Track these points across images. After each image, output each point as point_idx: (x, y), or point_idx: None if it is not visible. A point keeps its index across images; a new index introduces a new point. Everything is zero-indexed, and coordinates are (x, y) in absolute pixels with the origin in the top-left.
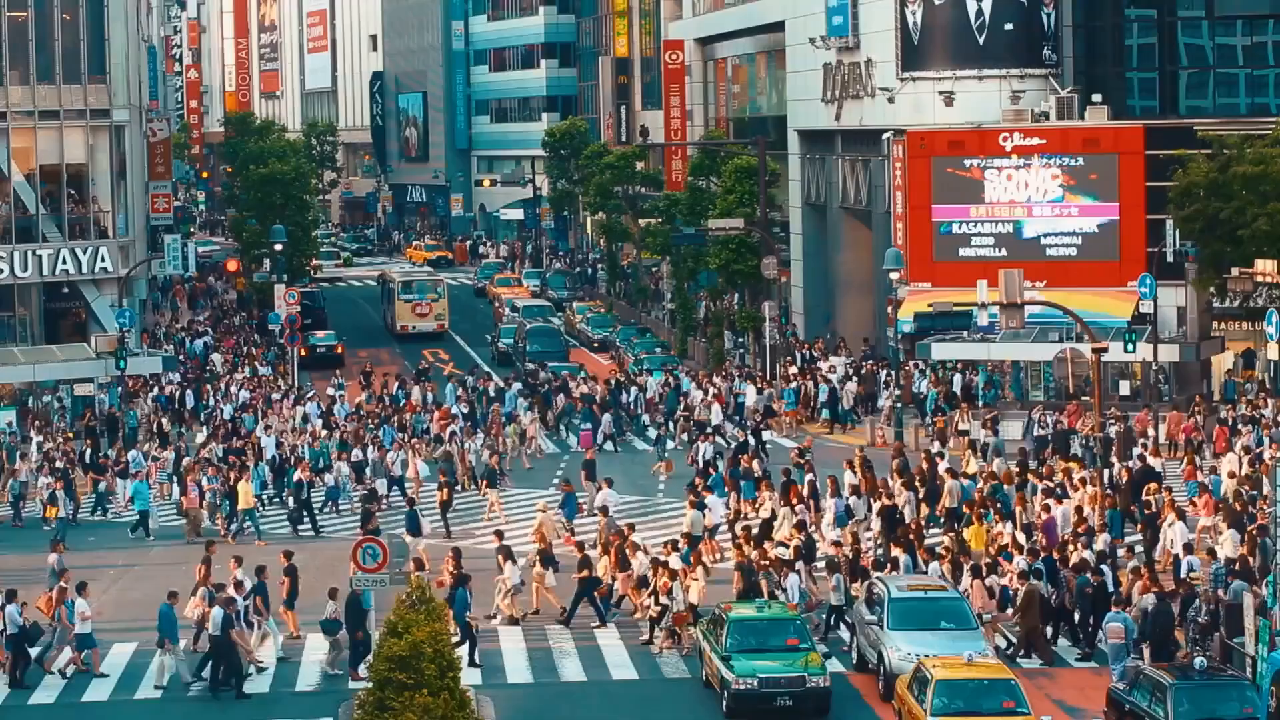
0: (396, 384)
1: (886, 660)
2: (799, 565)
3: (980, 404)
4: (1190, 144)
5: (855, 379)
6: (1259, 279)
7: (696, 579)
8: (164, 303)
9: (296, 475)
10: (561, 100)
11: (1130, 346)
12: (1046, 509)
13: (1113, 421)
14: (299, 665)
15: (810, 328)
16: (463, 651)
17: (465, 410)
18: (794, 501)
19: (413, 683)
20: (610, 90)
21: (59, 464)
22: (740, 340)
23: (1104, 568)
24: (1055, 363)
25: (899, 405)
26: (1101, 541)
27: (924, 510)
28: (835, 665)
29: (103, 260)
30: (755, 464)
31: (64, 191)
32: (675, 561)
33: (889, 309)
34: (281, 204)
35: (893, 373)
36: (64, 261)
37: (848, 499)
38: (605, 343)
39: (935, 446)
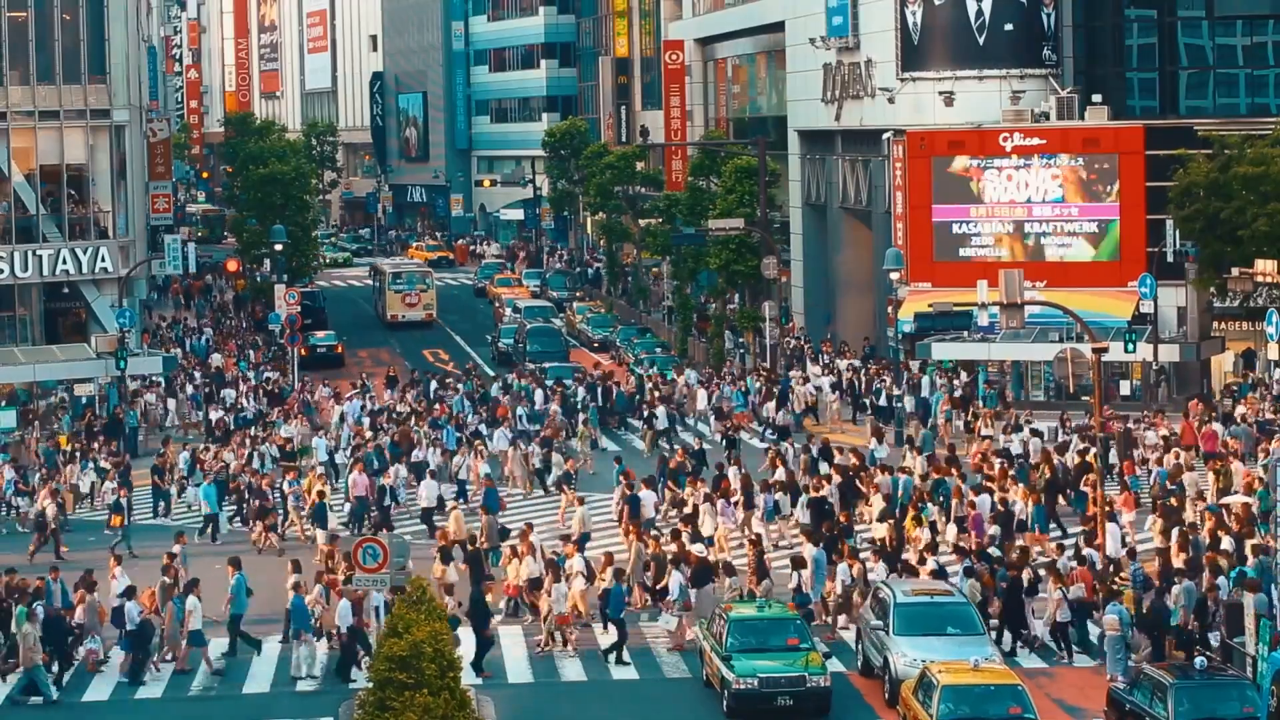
0: (436, 384)
1: (892, 665)
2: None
3: (984, 407)
4: (1190, 144)
5: (855, 379)
6: (1259, 279)
7: (605, 579)
8: (163, 301)
9: (381, 480)
10: (561, 100)
11: (1130, 346)
12: (973, 505)
13: (1146, 424)
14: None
15: (810, 328)
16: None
17: (528, 410)
18: (716, 497)
19: (413, 682)
20: (610, 90)
21: (103, 464)
22: (740, 340)
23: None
24: (1055, 363)
25: (900, 405)
26: (987, 536)
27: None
28: (836, 665)
29: (103, 260)
30: (687, 460)
31: (64, 191)
32: (578, 562)
33: (889, 309)
34: (281, 204)
35: (886, 377)
36: (64, 261)
37: (776, 495)
38: (605, 343)
39: (871, 444)
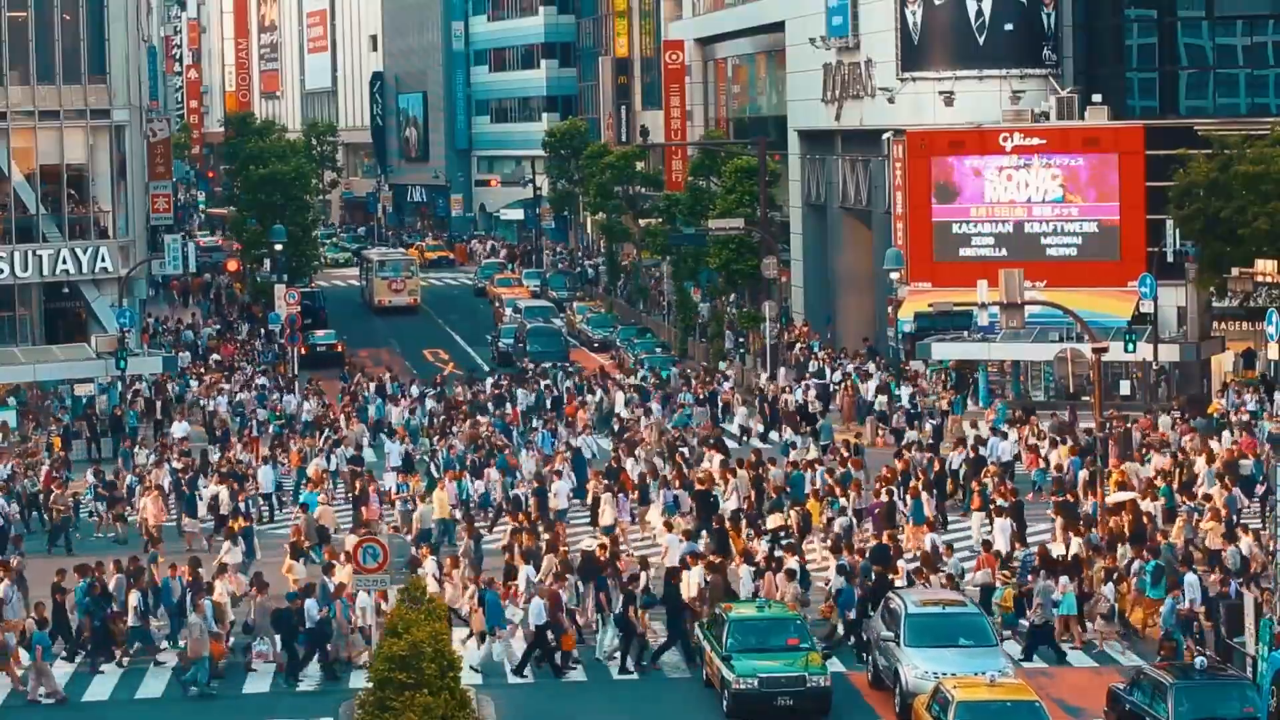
0: (496, 382)
1: (903, 678)
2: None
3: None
4: (1190, 144)
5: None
6: (1259, 279)
7: (454, 582)
8: (158, 300)
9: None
10: (561, 100)
11: (1130, 346)
12: (877, 494)
13: (1182, 434)
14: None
15: (810, 328)
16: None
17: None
18: (615, 491)
19: (413, 682)
20: (610, 90)
21: (175, 464)
22: (741, 341)
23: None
24: (1055, 363)
25: (881, 410)
26: (839, 528)
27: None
28: (835, 665)
29: (103, 260)
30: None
31: (64, 191)
32: (429, 564)
33: (889, 309)
34: (281, 204)
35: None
36: (64, 261)
37: (675, 490)
38: (605, 343)
39: (787, 434)
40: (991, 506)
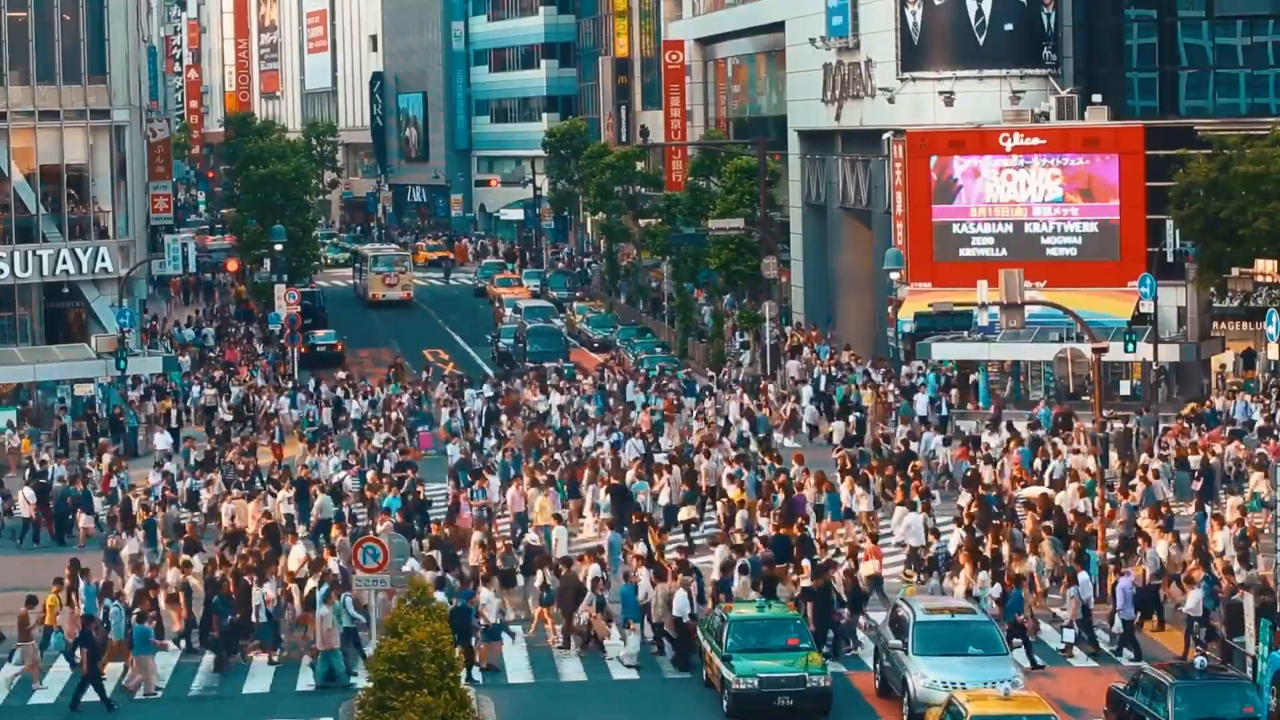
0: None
1: (911, 687)
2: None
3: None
4: (1190, 144)
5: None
6: (1259, 279)
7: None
8: (157, 299)
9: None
10: (561, 100)
11: (1130, 346)
12: (800, 487)
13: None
14: (298, 664)
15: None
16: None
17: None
18: (546, 486)
19: (413, 683)
20: (610, 90)
21: (238, 465)
22: (744, 342)
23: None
24: (1055, 363)
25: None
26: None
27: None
28: (835, 665)
29: (103, 260)
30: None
31: (64, 191)
32: (296, 560)
33: (889, 309)
34: (281, 204)
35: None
36: (64, 261)
37: (602, 488)
38: (605, 343)
39: (743, 425)
40: (905, 501)
